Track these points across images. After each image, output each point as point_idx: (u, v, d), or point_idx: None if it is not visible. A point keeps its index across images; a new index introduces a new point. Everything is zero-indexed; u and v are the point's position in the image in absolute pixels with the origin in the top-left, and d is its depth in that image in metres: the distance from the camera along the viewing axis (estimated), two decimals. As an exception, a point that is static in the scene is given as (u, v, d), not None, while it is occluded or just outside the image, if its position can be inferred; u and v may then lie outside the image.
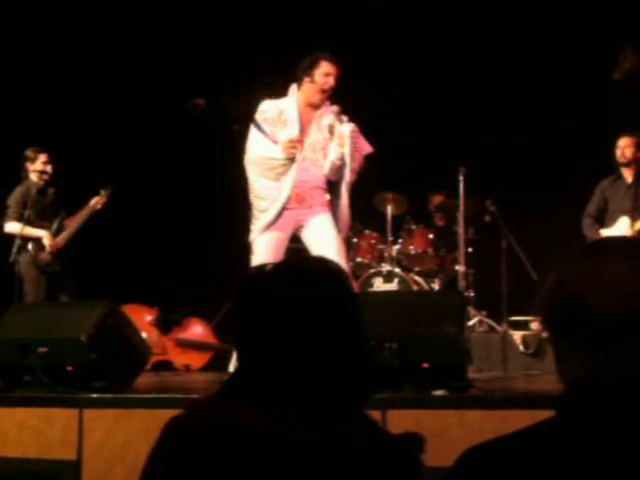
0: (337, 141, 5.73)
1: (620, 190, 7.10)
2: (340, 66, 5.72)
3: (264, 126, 5.76)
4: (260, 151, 5.74)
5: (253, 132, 5.80)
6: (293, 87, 5.82)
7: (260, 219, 5.74)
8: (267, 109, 5.80)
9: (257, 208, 5.77)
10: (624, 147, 7.06)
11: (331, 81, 5.70)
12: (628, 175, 7.09)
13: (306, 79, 5.74)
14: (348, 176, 5.80)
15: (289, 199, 5.68)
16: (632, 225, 6.84)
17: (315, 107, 5.80)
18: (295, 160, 5.67)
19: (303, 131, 5.75)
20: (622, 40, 7.41)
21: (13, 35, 8.69)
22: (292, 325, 1.56)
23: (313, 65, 5.71)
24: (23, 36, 8.77)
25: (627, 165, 7.06)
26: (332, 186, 5.89)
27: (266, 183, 5.72)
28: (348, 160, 5.75)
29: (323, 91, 5.72)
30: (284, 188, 5.69)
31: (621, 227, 6.94)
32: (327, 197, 5.81)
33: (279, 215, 5.69)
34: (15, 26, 8.67)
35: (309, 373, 1.55)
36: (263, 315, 1.59)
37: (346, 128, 5.75)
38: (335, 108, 5.79)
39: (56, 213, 7.42)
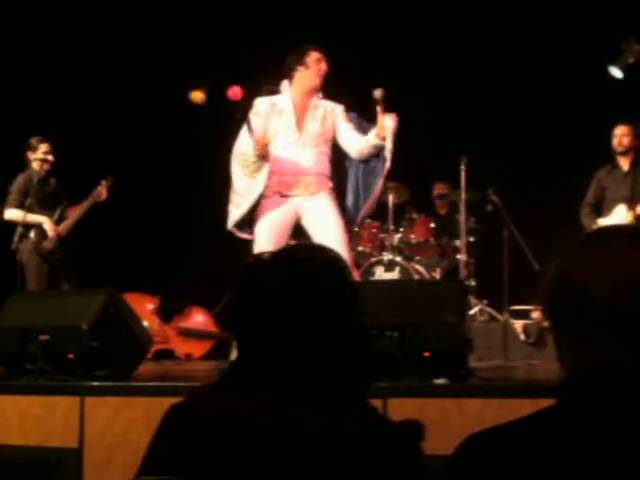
0: (377, 131, 5.76)
1: (617, 178, 7.12)
2: (327, 55, 5.83)
3: (254, 119, 5.84)
4: (240, 146, 5.87)
5: (243, 128, 5.88)
6: (285, 83, 5.91)
7: (232, 213, 5.83)
8: (259, 103, 5.92)
9: (232, 202, 5.89)
10: (621, 136, 7.08)
11: (324, 66, 5.82)
12: (624, 163, 7.11)
13: (299, 68, 5.85)
14: (387, 166, 5.85)
15: (288, 186, 5.73)
16: (630, 212, 6.85)
17: (313, 93, 5.88)
18: (267, 159, 5.76)
19: (300, 121, 5.83)
20: (623, 29, 7.40)
21: (15, 25, 8.67)
22: (291, 314, 1.56)
23: (303, 54, 5.83)
24: (25, 26, 8.75)
25: (624, 154, 7.08)
26: (341, 170, 5.95)
27: (243, 179, 5.85)
28: (388, 155, 5.80)
29: (319, 75, 5.82)
30: (257, 186, 5.79)
31: (619, 215, 6.95)
32: (330, 185, 5.85)
33: (251, 211, 5.77)
34: (17, 16, 8.65)
35: (309, 362, 1.55)
36: (261, 304, 1.59)
37: (390, 123, 5.75)
38: (379, 92, 5.78)
39: (58, 202, 7.41)
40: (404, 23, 8.81)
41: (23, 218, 7.05)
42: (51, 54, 8.84)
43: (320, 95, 5.94)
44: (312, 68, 5.80)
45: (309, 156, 5.78)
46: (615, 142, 7.09)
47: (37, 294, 6.38)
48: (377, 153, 5.87)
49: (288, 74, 5.89)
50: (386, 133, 5.74)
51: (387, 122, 5.75)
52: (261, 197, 5.82)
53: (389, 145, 5.78)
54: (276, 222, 5.74)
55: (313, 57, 5.80)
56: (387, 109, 5.74)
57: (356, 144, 5.88)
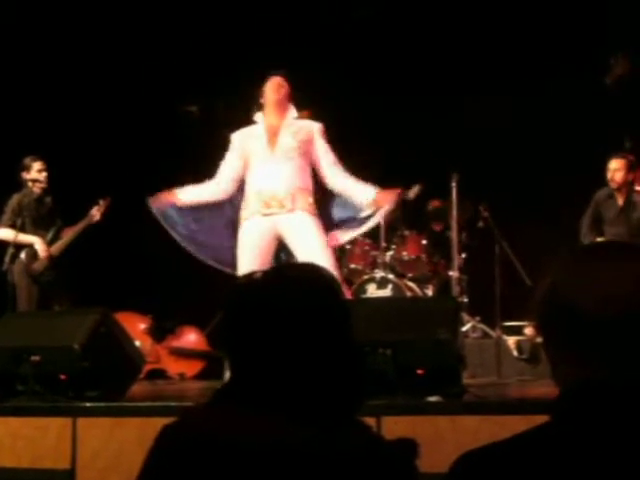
0: (377, 199, 5.82)
1: (612, 211, 7.02)
2: (286, 76, 5.88)
3: (227, 158, 5.99)
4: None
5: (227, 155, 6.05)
6: (258, 115, 5.93)
7: None
8: (234, 138, 5.98)
9: None
10: (614, 171, 6.94)
11: (279, 94, 5.83)
12: (619, 197, 7.03)
13: (261, 100, 5.88)
14: (362, 230, 6.08)
15: (265, 205, 5.71)
16: None
17: (281, 112, 5.88)
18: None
19: (272, 137, 5.80)
20: (613, 47, 7.45)
21: (13, 44, 8.68)
22: (282, 332, 1.55)
23: (263, 85, 5.87)
24: (21, 46, 8.76)
25: (618, 190, 6.99)
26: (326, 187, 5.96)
27: None
28: (370, 225, 5.97)
29: (278, 96, 5.84)
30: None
31: None
32: (310, 200, 5.80)
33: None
34: (14, 35, 8.67)
35: (300, 380, 1.54)
36: (253, 323, 1.58)
37: (393, 205, 5.94)
38: (415, 191, 6.08)
39: (52, 222, 7.40)
40: (392, 40, 8.85)
41: (15, 238, 7.03)
42: (48, 72, 8.86)
43: (294, 115, 5.92)
44: (269, 98, 5.83)
45: (283, 172, 5.72)
46: (609, 175, 6.98)
47: (28, 315, 6.37)
48: (355, 208, 5.90)
49: (258, 107, 5.91)
50: (385, 208, 5.82)
51: (391, 203, 5.85)
52: (241, 219, 5.82)
53: (378, 219, 5.98)
54: (256, 243, 5.69)
55: (269, 86, 5.84)
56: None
57: (341, 184, 5.87)
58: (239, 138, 5.93)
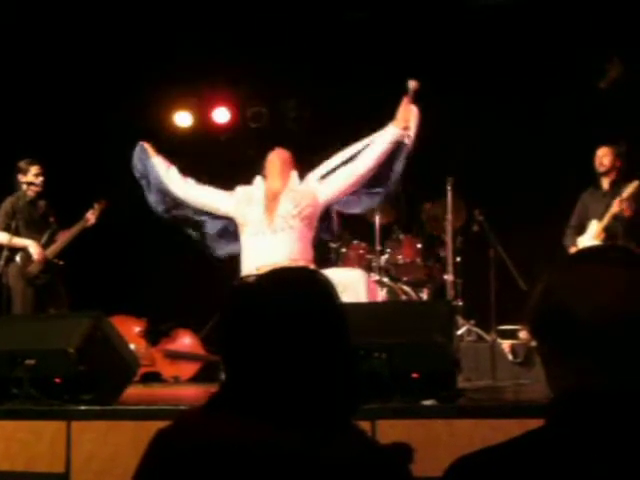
0: (399, 119, 5.94)
1: (597, 198, 7.16)
2: (283, 151, 5.89)
3: (223, 192, 6.03)
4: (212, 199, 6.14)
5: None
6: (259, 179, 5.92)
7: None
8: (238, 190, 5.96)
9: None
10: (602, 156, 7.11)
11: (270, 169, 5.84)
12: (605, 183, 7.14)
13: (262, 168, 5.90)
14: (408, 147, 6.03)
15: None
16: (599, 225, 6.91)
17: (282, 185, 5.83)
18: None
19: (271, 205, 5.73)
20: (608, 52, 7.46)
21: (10, 47, 8.69)
22: (278, 336, 1.55)
23: (263, 157, 5.91)
24: (21, 49, 8.77)
25: (605, 174, 7.11)
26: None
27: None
28: (410, 140, 5.98)
29: (271, 175, 5.84)
30: None
31: (590, 230, 7.00)
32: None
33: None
34: (11, 38, 8.67)
35: (296, 384, 1.54)
36: (248, 326, 1.58)
37: (416, 110, 6.02)
38: (414, 83, 6.02)
39: (46, 225, 7.39)
40: (386, 42, 8.86)
41: (9, 241, 7.02)
42: (43, 79, 8.85)
43: (297, 182, 5.86)
44: (267, 169, 5.85)
45: (282, 242, 5.58)
46: (596, 163, 7.14)
47: (23, 318, 6.36)
48: (392, 149, 5.92)
49: (260, 171, 5.92)
50: (411, 119, 5.92)
51: (414, 109, 5.94)
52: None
53: (413, 131, 5.97)
54: None
55: (267, 160, 5.86)
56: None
57: (367, 156, 5.87)
58: (241, 194, 5.90)
